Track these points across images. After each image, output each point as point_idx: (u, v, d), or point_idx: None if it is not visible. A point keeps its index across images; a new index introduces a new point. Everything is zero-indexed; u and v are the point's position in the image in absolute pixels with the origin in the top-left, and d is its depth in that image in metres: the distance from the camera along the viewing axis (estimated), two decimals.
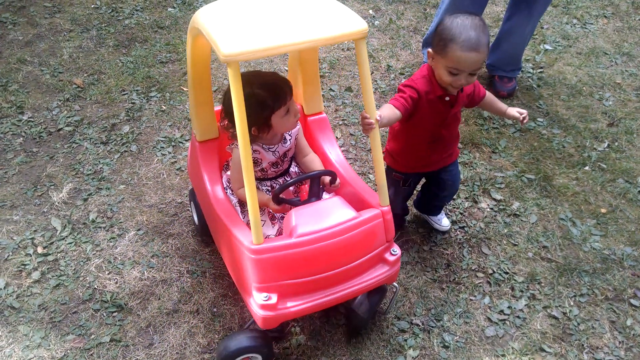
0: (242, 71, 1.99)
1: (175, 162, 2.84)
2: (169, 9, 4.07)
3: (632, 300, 2.32)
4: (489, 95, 2.25)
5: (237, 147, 1.97)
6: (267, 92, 1.91)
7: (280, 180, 2.16)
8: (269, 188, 2.13)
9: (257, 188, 2.10)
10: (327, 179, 2.04)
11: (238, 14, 1.71)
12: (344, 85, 3.40)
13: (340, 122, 3.14)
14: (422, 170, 2.33)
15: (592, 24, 4.12)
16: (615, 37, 3.99)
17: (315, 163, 2.21)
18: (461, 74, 1.95)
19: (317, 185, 1.97)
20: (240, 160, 1.68)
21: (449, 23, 1.94)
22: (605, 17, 4.21)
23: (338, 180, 2.04)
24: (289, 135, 2.12)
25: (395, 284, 2.15)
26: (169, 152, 2.89)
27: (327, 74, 3.48)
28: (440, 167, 2.31)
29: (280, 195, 1.95)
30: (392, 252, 1.96)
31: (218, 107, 2.21)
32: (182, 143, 2.95)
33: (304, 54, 2.19)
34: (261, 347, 1.93)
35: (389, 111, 1.98)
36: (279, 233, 2.07)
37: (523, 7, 3.12)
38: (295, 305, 1.80)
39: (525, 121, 2.21)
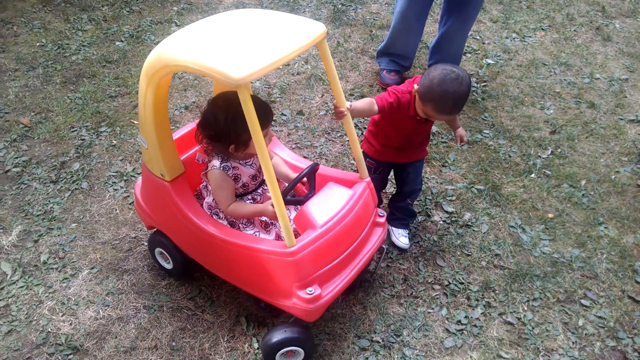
0: (225, 92, 2.05)
1: (128, 196, 2.81)
2: (117, 43, 4.05)
3: (582, 301, 2.40)
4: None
5: (216, 167, 2.05)
6: (258, 112, 1.95)
7: (260, 190, 2.22)
8: (251, 201, 2.19)
9: (246, 203, 2.17)
10: None
11: (212, 42, 1.77)
12: (296, 109, 3.44)
13: (293, 146, 3.18)
14: (392, 160, 2.51)
15: (530, 37, 4.30)
16: (552, 48, 4.17)
17: (282, 165, 2.34)
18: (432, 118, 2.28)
19: (313, 179, 2.13)
20: (222, 177, 2.00)
21: (436, 85, 2.11)
22: (542, 29, 4.40)
23: None
24: None
25: (382, 245, 2.35)
26: (121, 187, 2.86)
27: (278, 99, 3.53)
28: (408, 162, 2.51)
29: (286, 199, 2.09)
30: (380, 215, 2.22)
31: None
32: (134, 177, 2.93)
33: None
34: (304, 341, 2.01)
35: (366, 104, 2.23)
36: (277, 238, 2.16)
37: (456, 13, 3.33)
38: (333, 289, 1.96)
39: (460, 144, 2.49)
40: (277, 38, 1.76)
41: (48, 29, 4.17)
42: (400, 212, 2.61)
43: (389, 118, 2.40)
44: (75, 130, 3.25)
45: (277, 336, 1.97)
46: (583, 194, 2.91)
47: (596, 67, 3.96)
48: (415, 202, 2.83)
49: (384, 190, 2.79)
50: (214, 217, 2.14)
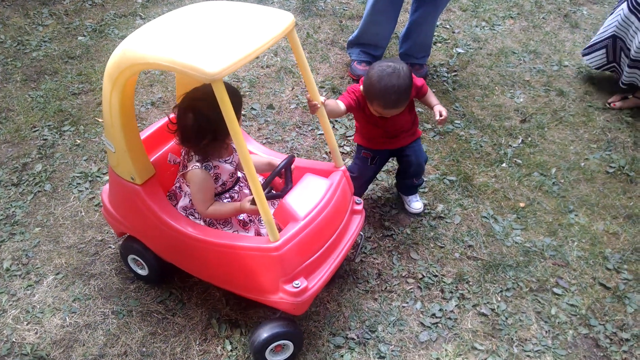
0: (195, 87, 2.01)
1: (94, 197, 2.73)
2: (79, 38, 3.93)
3: (555, 289, 2.41)
4: (429, 92, 2.48)
5: (197, 167, 1.99)
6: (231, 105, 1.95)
7: (237, 188, 2.19)
8: (229, 199, 2.15)
9: (225, 202, 2.13)
10: None
11: (180, 36, 1.71)
12: (265, 103, 3.38)
13: (264, 141, 3.12)
14: (387, 147, 2.53)
15: (499, 25, 4.30)
16: (522, 36, 4.18)
17: (259, 160, 2.30)
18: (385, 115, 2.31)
19: (289, 172, 2.12)
20: (204, 178, 1.99)
21: (375, 82, 2.20)
22: (511, 17, 4.41)
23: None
24: (232, 145, 2.18)
25: (360, 232, 2.33)
26: (86, 188, 2.77)
27: (247, 93, 3.46)
28: (404, 145, 2.54)
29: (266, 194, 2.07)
30: (357, 202, 2.25)
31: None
32: (99, 177, 2.84)
33: None
34: (293, 334, 2.01)
35: (334, 104, 2.27)
36: (257, 235, 2.15)
37: (426, 0, 3.30)
38: (319, 279, 1.96)
39: (440, 122, 2.42)
40: (248, 30, 1.72)
41: (7, 24, 4.02)
42: (407, 184, 2.71)
43: (359, 114, 2.43)
44: (37, 130, 3.14)
45: (266, 332, 1.96)
46: (553, 182, 2.93)
47: (565, 54, 3.98)
48: (387, 196, 2.81)
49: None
50: (190, 217, 2.08)
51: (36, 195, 2.74)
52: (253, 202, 2.00)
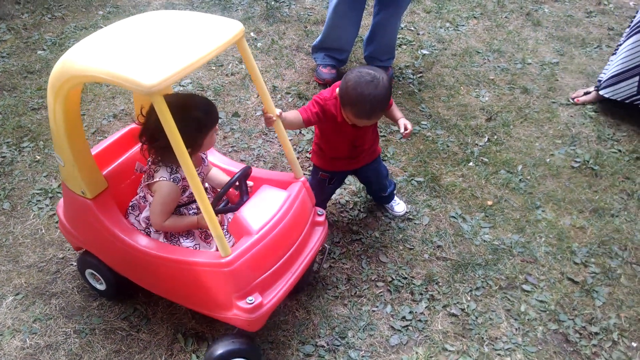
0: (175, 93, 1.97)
1: (54, 214, 2.65)
2: (39, 52, 3.84)
3: (524, 286, 2.41)
4: (394, 105, 2.40)
5: (165, 179, 1.95)
6: (205, 115, 1.96)
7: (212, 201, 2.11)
8: (196, 211, 2.11)
9: (184, 214, 2.09)
10: None
11: (121, 47, 1.66)
12: (231, 111, 3.34)
13: (230, 149, 3.08)
14: (346, 168, 2.47)
15: (463, 25, 4.33)
16: (485, 35, 4.22)
17: (219, 175, 2.27)
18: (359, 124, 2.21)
19: (245, 183, 2.07)
20: (171, 191, 1.94)
21: (351, 88, 2.08)
22: (475, 17, 4.45)
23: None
24: (204, 154, 2.17)
25: (324, 244, 2.30)
26: (46, 205, 2.70)
27: (212, 101, 3.41)
28: (363, 165, 2.47)
29: (217, 208, 2.03)
30: (319, 213, 2.18)
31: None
32: (60, 194, 2.76)
33: None
34: (249, 351, 1.95)
35: (293, 116, 2.18)
36: None
37: (389, 2, 3.32)
38: (275, 295, 1.89)
39: (405, 136, 2.34)
40: (191, 40, 1.67)
41: None
42: (376, 197, 2.74)
43: (325, 128, 2.32)
44: None
45: (221, 348, 1.90)
46: (520, 179, 2.94)
47: (528, 52, 4.02)
48: (354, 200, 2.79)
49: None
50: (152, 229, 2.04)
51: None
52: (216, 213, 1.99)
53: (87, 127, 3.20)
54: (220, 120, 3.27)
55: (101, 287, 2.23)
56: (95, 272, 2.19)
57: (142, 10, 4.34)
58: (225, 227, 2.13)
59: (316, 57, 3.64)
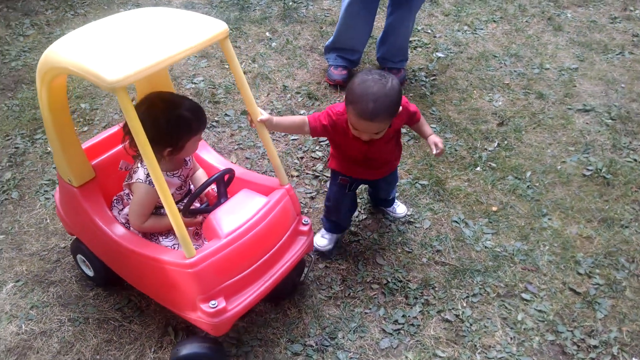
0: (160, 92, 2.01)
1: None
2: None
3: (523, 295, 2.35)
4: (422, 119, 2.28)
5: (141, 181, 1.96)
6: (194, 116, 1.95)
7: (185, 201, 2.12)
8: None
9: (165, 215, 2.05)
10: None
11: (99, 42, 1.69)
12: (240, 109, 3.36)
13: (236, 147, 3.10)
14: (364, 177, 2.34)
15: (482, 29, 4.26)
16: (503, 39, 4.14)
17: (203, 177, 2.26)
18: (362, 132, 2.01)
19: (223, 185, 2.03)
20: (147, 193, 1.91)
21: (356, 84, 1.94)
22: (494, 21, 4.37)
23: None
24: (187, 157, 2.15)
25: (310, 253, 2.28)
26: (53, 196, 2.76)
27: (222, 99, 3.44)
28: (379, 178, 2.37)
29: (192, 208, 2.02)
30: (304, 223, 2.12)
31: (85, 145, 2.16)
32: None
33: (154, 75, 2.17)
34: (212, 357, 1.93)
35: (291, 122, 2.17)
36: None
37: (403, 3, 3.29)
38: (242, 302, 1.86)
39: (437, 155, 2.23)
40: (167, 38, 1.68)
41: None
42: (379, 202, 2.68)
43: (335, 140, 2.21)
44: (10, 138, 3.14)
45: (186, 349, 1.89)
46: (528, 186, 2.88)
47: (546, 57, 3.93)
48: (359, 199, 2.77)
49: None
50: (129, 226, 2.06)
51: (3, 203, 2.73)
52: (190, 213, 2.01)
53: (99, 121, 3.26)
54: (228, 118, 3.30)
55: (90, 273, 2.28)
56: (84, 259, 2.23)
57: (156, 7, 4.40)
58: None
59: (328, 57, 3.63)
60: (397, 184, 2.75)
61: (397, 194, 2.71)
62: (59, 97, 1.85)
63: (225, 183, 2.05)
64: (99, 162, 2.15)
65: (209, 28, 1.76)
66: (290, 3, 4.49)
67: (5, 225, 2.61)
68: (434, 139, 2.21)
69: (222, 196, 2.01)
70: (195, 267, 1.76)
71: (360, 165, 2.25)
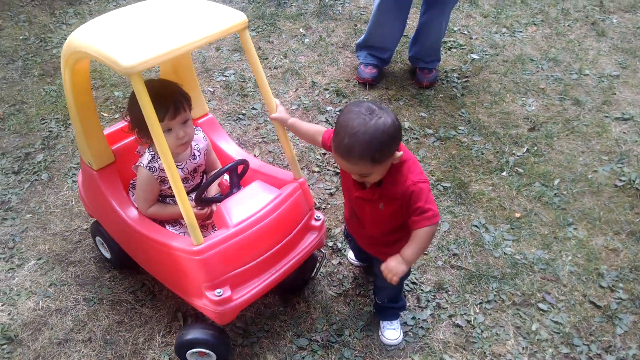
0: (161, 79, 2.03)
1: None
2: None
3: (540, 305, 2.28)
4: (417, 235, 1.73)
5: (142, 166, 1.99)
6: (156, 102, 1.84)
7: (192, 195, 2.14)
8: None
9: (170, 204, 2.11)
10: None
11: (119, 28, 1.73)
12: None
13: (260, 140, 3.12)
14: (354, 235, 2.06)
15: (521, 31, 4.15)
16: (543, 43, 4.02)
17: (217, 163, 2.26)
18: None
19: (236, 175, 2.03)
20: (147, 179, 1.95)
21: (342, 114, 1.63)
22: (534, 24, 4.25)
23: None
24: (198, 151, 2.14)
25: (322, 249, 2.18)
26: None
27: (251, 93, 3.47)
28: (371, 253, 2.01)
29: (203, 197, 2.03)
30: (316, 218, 2.07)
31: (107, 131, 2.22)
32: None
33: (177, 62, 2.21)
34: (215, 345, 1.93)
35: (311, 131, 1.92)
36: None
37: (437, 2, 3.25)
38: (247, 292, 1.86)
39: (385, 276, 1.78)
40: (186, 26, 1.71)
41: (33, 22, 4.20)
42: (375, 300, 2.18)
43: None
44: (46, 122, 3.25)
45: (190, 335, 1.91)
46: (555, 194, 2.78)
47: (586, 63, 3.80)
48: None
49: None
50: None
51: (33, 184, 2.83)
52: (201, 203, 2.02)
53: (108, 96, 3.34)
54: (255, 112, 3.32)
55: (108, 255, 2.34)
56: (102, 241, 2.29)
57: None
58: None
59: (359, 55, 3.61)
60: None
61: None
62: (81, 80, 1.90)
63: (238, 174, 2.05)
64: (119, 147, 2.19)
65: (228, 18, 1.77)
66: (327, 0, 4.48)
67: (33, 205, 2.71)
68: (392, 263, 1.74)
69: (235, 186, 2.02)
70: (202, 254, 1.77)
71: (352, 215, 1.95)
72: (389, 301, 2.10)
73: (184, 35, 1.66)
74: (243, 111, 3.32)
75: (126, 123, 2.10)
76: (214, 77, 3.63)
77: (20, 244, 2.51)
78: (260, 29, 4.12)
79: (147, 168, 1.99)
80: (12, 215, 2.65)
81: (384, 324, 2.15)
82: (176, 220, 2.11)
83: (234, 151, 2.36)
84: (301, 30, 4.14)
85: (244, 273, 1.85)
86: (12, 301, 2.27)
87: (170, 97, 1.92)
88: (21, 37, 4.03)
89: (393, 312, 2.14)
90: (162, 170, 1.99)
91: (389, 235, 1.85)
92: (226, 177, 2.14)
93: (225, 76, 3.63)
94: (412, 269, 2.40)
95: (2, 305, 2.25)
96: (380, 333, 2.16)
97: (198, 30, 1.68)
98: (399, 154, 1.65)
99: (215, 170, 2.10)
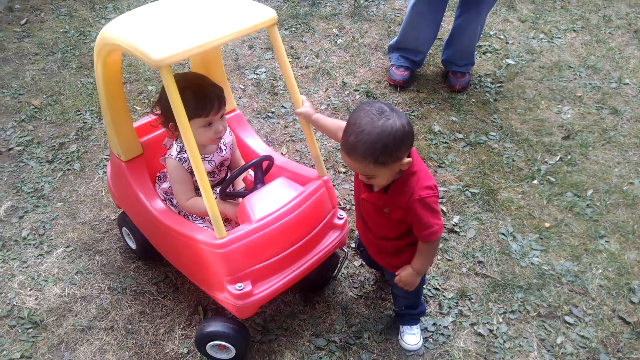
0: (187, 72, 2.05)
1: None
2: None
3: (566, 317, 2.21)
4: (424, 248, 1.79)
5: (172, 157, 2.02)
6: (195, 97, 1.89)
7: (217, 189, 2.17)
8: (215, 197, 2.13)
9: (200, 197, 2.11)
10: None
11: (151, 22, 1.76)
12: None
13: (288, 139, 3.12)
14: (363, 240, 2.04)
15: (559, 38, 4.06)
16: (582, 50, 3.92)
17: (240, 161, 2.28)
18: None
19: (260, 171, 2.04)
20: (177, 170, 1.97)
21: (353, 112, 1.63)
22: (574, 31, 4.15)
23: None
24: (224, 145, 2.16)
25: (344, 248, 2.16)
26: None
27: (281, 92, 3.48)
28: (380, 264, 2.03)
29: (228, 191, 2.05)
30: (339, 217, 2.08)
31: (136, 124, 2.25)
32: None
33: (207, 56, 2.23)
34: (235, 339, 1.94)
35: (334, 126, 1.90)
36: None
37: (472, 5, 3.20)
38: (268, 288, 1.87)
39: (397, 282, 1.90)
40: (216, 21, 1.73)
41: (73, 16, 4.31)
42: (395, 300, 2.16)
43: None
44: (81, 113, 3.33)
45: (211, 327, 1.92)
46: (587, 205, 2.70)
47: (627, 71, 3.68)
48: None
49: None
50: (167, 202, 2.12)
51: (65, 173, 2.89)
52: (224, 197, 2.04)
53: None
54: (284, 110, 3.33)
55: (133, 245, 2.38)
56: (128, 231, 2.33)
57: None
58: None
59: (391, 57, 3.58)
60: (445, 190, 2.65)
61: (443, 197, 2.59)
62: (113, 72, 1.94)
63: (263, 170, 2.06)
64: (148, 140, 2.22)
65: (258, 14, 1.78)
66: (362, 1, 4.47)
67: (64, 194, 2.77)
68: (403, 274, 1.84)
69: (259, 182, 2.02)
70: (224, 247, 1.78)
71: (359, 217, 1.95)
72: (407, 308, 2.09)
73: (213, 30, 1.67)
74: (272, 109, 3.33)
75: (154, 117, 2.13)
76: (245, 74, 3.65)
77: (50, 231, 2.57)
78: (293, 28, 4.13)
79: (177, 159, 2.01)
80: (44, 202, 2.72)
81: (404, 328, 2.12)
82: (203, 218, 2.12)
83: (260, 147, 2.37)
84: (334, 30, 4.13)
85: (266, 268, 1.86)
86: (39, 287, 2.33)
87: (214, 92, 1.95)
88: (61, 30, 4.14)
89: (412, 317, 2.11)
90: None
91: (394, 241, 1.85)
92: (250, 172, 2.15)
93: (257, 74, 3.65)
94: (434, 275, 2.37)
95: (30, 290, 2.31)
96: (400, 337, 2.13)
97: (227, 26, 1.69)
98: (407, 160, 1.63)
99: (240, 166, 2.10)
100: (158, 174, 2.24)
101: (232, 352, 1.97)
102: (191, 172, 2.04)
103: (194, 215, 2.12)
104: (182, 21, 1.74)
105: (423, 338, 2.13)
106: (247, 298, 1.81)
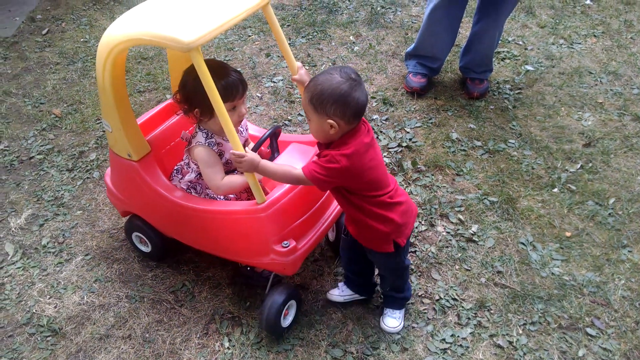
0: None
1: None
2: None
3: (588, 329, 2.17)
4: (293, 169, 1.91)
5: (200, 144, 2.06)
6: (220, 83, 1.92)
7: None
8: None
9: (236, 174, 2.17)
10: None
11: (162, 14, 1.83)
12: None
13: (301, 131, 3.11)
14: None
15: (579, 43, 4.00)
16: (602, 56, 3.86)
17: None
18: None
19: (276, 140, 2.20)
20: (209, 154, 2.05)
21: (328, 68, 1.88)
22: (595, 36, 4.09)
23: None
24: (242, 128, 2.26)
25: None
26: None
27: (297, 100, 3.49)
28: (354, 236, 1.99)
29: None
30: None
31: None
32: None
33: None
34: (296, 294, 2.14)
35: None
36: None
37: (490, 11, 3.17)
38: (307, 241, 2.04)
39: None
40: (221, 5, 1.83)
41: (93, 26, 4.37)
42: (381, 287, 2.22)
43: None
44: (100, 122, 3.36)
45: (279, 296, 2.03)
46: (610, 213, 2.65)
47: None
48: (419, 211, 2.68)
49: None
50: (192, 191, 2.18)
51: (85, 181, 2.93)
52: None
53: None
54: (300, 118, 3.33)
55: (147, 249, 2.41)
56: (141, 235, 2.37)
57: None
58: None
59: (408, 64, 3.57)
60: (463, 198, 2.63)
61: (461, 205, 2.57)
62: (120, 74, 1.99)
63: (276, 139, 2.20)
64: (151, 138, 2.28)
65: None
66: (379, 8, 4.46)
67: (83, 202, 2.80)
68: (251, 155, 1.84)
69: (275, 151, 2.15)
70: (267, 210, 1.91)
71: None
72: (392, 290, 2.15)
73: (226, 11, 1.78)
74: (289, 117, 3.33)
75: (153, 113, 2.29)
76: (262, 82, 3.67)
77: (69, 239, 2.60)
78: (310, 36, 4.14)
79: (207, 144, 2.07)
80: (64, 211, 2.75)
81: (387, 310, 2.18)
82: (225, 198, 2.19)
83: (256, 130, 2.50)
84: (351, 37, 4.13)
85: (302, 224, 2.03)
86: (58, 294, 2.35)
87: (237, 77, 2.02)
88: (82, 40, 4.20)
89: (397, 301, 2.16)
90: (218, 144, 2.10)
91: (346, 210, 1.91)
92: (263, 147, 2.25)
93: (274, 82, 3.66)
94: (452, 285, 2.34)
95: (50, 298, 2.34)
96: (381, 319, 2.18)
97: (234, 7, 1.81)
98: (333, 123, 1.69)
99: (260, 137, 2.16)
100: (176, 168, 2.25)
101: (293, 309, 2.16)
102: (219, 155, 2.11)
103: (220, 197, 2.17)
104: (189, 10, 1.81)
105: (440, 349, 2.11)
106: (294, 253, 1.96)
